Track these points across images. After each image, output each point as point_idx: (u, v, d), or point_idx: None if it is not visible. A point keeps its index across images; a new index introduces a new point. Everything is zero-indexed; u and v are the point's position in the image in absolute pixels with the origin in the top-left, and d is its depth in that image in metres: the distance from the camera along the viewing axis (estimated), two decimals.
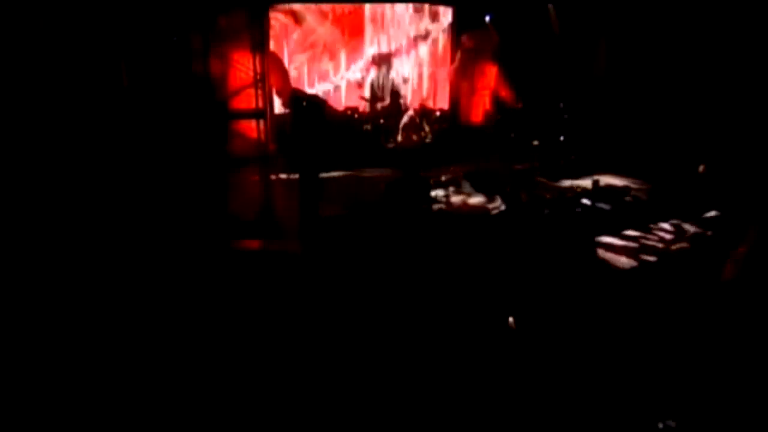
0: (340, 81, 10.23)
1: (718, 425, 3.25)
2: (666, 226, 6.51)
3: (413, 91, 10.48)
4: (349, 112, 10.11)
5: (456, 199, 7.72)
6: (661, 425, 3.19)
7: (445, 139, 9.82)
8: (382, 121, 9.91)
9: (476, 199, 7.66)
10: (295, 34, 9.77)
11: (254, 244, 6.03)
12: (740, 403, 3.32)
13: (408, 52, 10.50)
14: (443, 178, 8.33)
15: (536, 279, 4.66)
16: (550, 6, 9.60)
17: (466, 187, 8.01)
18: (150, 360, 3.85)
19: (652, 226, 6.50)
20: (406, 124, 9.74)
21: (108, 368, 3.75)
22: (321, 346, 3.99)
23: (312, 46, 9.93)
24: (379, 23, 10.28)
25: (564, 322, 4.09)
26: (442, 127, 10.04)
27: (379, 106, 10.21)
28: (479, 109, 10.00)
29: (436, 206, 7.34)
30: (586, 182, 8.03)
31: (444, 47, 10.52)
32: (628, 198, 7.38)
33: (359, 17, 10.16)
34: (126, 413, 3.40)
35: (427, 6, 10.38)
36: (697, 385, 3.47)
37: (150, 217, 5.99)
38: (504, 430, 3.31)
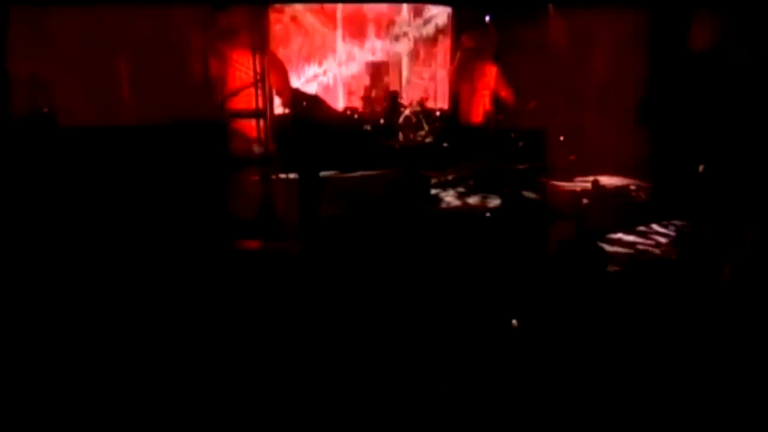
0: (338, 80, 10.25)
1: (717, 426, 3.25)
2: (660, 228, 6.51)
3: (412, 91, 10.48)
4: (348, 112, 10.12)
5: (456, 199, 7.72)
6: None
7: (445, 139, 9.82)
8: (382, 121, 9.92)
9: (477, 199, 7.66)
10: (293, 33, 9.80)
11: (254, 244, 6.03)
12: (739, 405, 3.32)
13: (407, 52, 10.52)
14: (443, 178, 8.33)
15: (538, 280, 4.67)
16: (550, 6, 9.59)
17: (467, 187, 8.01)
18: (150, 359, 3.85)
19: (645, 228, 6.49)
20: (405, 120, 9.75)
21: (108, 368, 3.76)
22: (321, 347, 3.99)
23: (307, 43, 9.95)
24: (378, 22, 10.30)
25: (567, 323, 4.09)
26: (442, 127, 10.05)
27: (378, 106, 10.22)
28: (479, 109, 9.99)
29: (436, 206, 7.35)
30: (587, 182, 8.04)
31: (444, 47, 10.53)
32: (619, 198, 7.40)
33: (358, 16, 10.18)
34: (126, 412, 3.40)
35: (426, 6, 10.39)
36: (696, 387, 3.47)
37: (150, 217, 5.99)
38: (506, 430, 3.31)
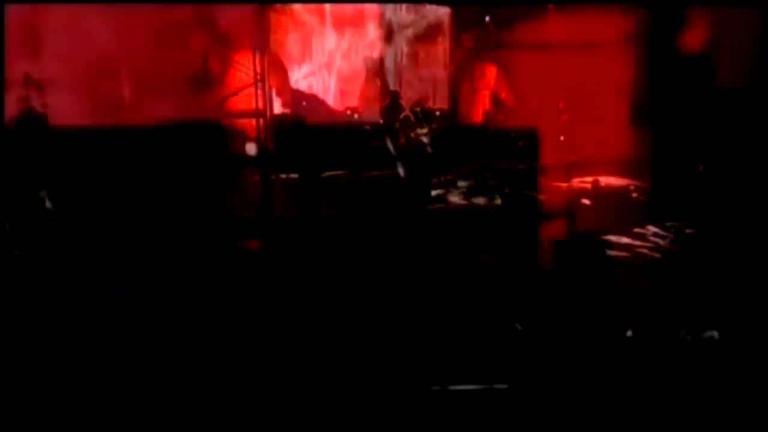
0: (337, 80, 10.23)
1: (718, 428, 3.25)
2: (658, 229, 6.51)
3: (411, 91, 10.46)
4: (348, 112, 10.11)
5: (456, 199, 7.72)
6: None
7: (445, 139, 9.81)
8: (381, 121, 9.91)
9: (477, 199, 7.66)
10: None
11: (254, 244, 6.03)
12: (739, 405, 3.32)
13: (406, 52, 10.50)
14: (443, 178, 8.32)
15: (539, 281, 4.67)
16: (550, 6, 9.59)
17: (467, 186, 8.01)
18: (150, 358, 3.85)
19: (643, 230, 6.49)
20: (404, 119, 9.74)
21: (107, 367, 3.76)
22: (320, 347, 3.99)
23: (307, 42, 9.92)
24: (377, 21, 10.28)
25: (570, 325, 4.09)
26: (442, 127, 10.03)
27: (378, 106, 10.21)
28: (479, 109, 10.00)
29: (436, 206, 7.35)
30: (586, 182, 8.04)
31: (444, 47, 10.51)
32: (619, 199, 7.41)
33: (357, 15, 10.16)
34: (125, 412, 3.40)
35: (425, 5, 10.37)
36: (697, 388, 3.47)
37: (149, 218, 5.99)
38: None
